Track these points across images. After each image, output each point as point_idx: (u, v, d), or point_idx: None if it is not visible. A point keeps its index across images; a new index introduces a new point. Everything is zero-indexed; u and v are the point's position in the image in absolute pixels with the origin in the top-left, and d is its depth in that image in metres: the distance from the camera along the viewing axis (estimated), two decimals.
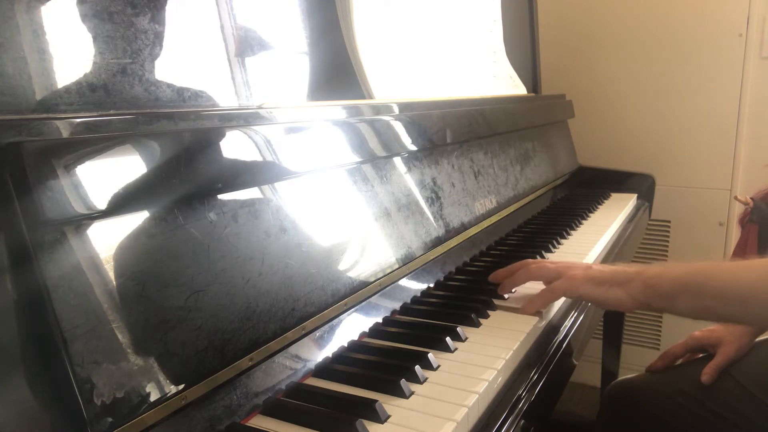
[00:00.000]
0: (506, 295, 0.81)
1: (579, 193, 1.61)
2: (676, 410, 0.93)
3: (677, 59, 1.73)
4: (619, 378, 1.10)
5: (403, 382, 0.56)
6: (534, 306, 0.76)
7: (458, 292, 0.83)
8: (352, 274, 0.68)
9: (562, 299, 0.82)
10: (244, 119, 0.61)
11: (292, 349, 0.59)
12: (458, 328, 0.68)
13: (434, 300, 0.81)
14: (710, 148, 1.73)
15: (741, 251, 1.41)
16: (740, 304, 0.65)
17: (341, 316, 0.66)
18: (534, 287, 0.81)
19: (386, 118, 0.82)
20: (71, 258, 0.42)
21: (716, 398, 0.90)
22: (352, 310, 0.69)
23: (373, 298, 0.72)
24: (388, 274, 0.75)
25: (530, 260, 0.83)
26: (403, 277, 0.79)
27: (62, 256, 0.41)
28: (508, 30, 1.48)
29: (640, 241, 1.65)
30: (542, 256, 1.00)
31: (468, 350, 0.65)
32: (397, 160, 0.84)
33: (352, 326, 0.68)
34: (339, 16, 0.89)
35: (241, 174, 0.57)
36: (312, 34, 0.83)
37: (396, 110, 0.86)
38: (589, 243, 1.10)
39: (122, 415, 0.42)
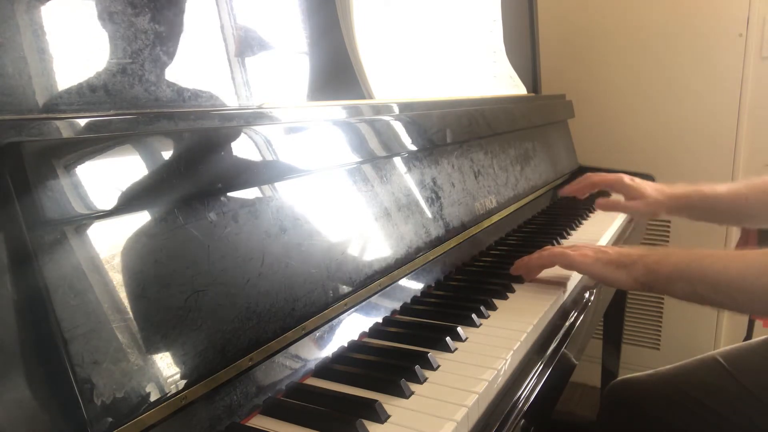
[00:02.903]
0: (509, 294, 0.81)
1: None
2: (676, 410, 0.93)
3: (677, 59, 1.74)
4: (619, 378, 1.10)
5: (403, 382, 0.56)
6: (543, 260, 0.84)
7: (458, 292, 0.83)
8: (352, 274, 0.68)
9: (564, 297, 0.82)
10: (244, 119, 0.61)
11: (292, 349, 0.59)
12: (458, 328, 0.68)
13: (434, 300, 0.80)
14: (710, 148, 1.73)
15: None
16: (728, 294, 0.68)
17: (341, 316, 0.66)
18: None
19: (386, 118, 0.82)
20: (71, 258, 0.42)
21: (716, 398, 0.90)
22: (352, 309, 0.68)
23: (373, 298, 0.72)
24: (388, 274, 0.75)
25: (547, 247, 0.88)
26: (403, 277, 0.79)
27: (62, 256, 0.41)
28: (508, 30, 1.48)
29: (640, 241, 1.65)
30: None
31: (468, 350, 0.65)
32: (397, 160, 0.84)
33: (352, 326, 0.68)
34: (339, 16, 0.89)
35: (241, 174, 0.57)
36: (312, 34, 0.83)
37: (396, 110, 0.86)
38: (589, 243, 1.10)
39: (122, 415, 0.42)
